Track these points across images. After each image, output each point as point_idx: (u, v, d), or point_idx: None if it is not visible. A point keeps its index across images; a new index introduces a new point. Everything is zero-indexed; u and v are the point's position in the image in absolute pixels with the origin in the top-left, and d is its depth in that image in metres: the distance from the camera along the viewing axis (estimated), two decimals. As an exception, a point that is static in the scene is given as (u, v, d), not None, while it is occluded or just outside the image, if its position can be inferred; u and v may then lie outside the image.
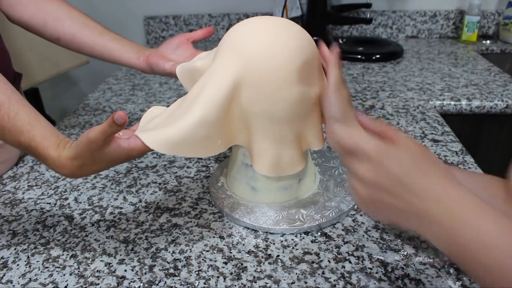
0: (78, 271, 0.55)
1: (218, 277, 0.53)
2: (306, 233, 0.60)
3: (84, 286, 0.52)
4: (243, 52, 0.55)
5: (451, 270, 0.52)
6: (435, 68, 1.24)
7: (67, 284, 0.53)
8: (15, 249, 0.59)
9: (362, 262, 0.54)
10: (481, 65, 1.25)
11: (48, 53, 1.36)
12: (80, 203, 0.69)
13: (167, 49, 0.72)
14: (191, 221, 0.63)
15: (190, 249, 0.58)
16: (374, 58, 1.32)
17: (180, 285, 0.52)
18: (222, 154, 0.79)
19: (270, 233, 0.60)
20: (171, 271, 0.54)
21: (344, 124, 0.45)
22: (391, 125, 0.41)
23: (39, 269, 0.56)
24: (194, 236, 0.60)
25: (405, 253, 0.55)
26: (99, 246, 0.59)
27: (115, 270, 0.55)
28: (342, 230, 0.60)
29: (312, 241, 0.58)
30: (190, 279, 0.53)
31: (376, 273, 0.53)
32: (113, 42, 0.74)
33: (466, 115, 1.03)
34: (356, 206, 0.65)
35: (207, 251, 0.57)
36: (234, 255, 0.56)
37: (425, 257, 0.54)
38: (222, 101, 0.54)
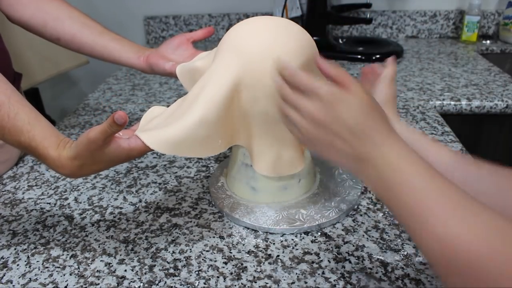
0: (78, 271, 0.55)
1: (218, 277, 0.53)
2: (306, 233, 0.60)
3: (84, 286, 0.52)
4: (243, 52, 0.55)
5: (451, 270, 0.52)
6: (435, 68, 1.24)
7: (67, 284, 0.53)
8: (15, 249, 0.59)
9: (362, 262, 0.54)
10: (481, 65, 1.25)
11: (48, 53, 1.36)
12: (80, 203, 0.69)
13: (167, 49, 0.72)
14: (191, 221, 0.63)
15: (190, 249, 0.58)
16: (374, 58, 1.32)
17: (180, 285, 0.52)
18: (222, 154, 0.79)
19: (270, 233, 0.60)
20: (171, 271, 0.54)
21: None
22: (345, 71, 0.45)
23: (39, 269, 0.56)
24: (194, 236, 0.60)
25: (405, 253, 0.55)
26: (99, 246, 0.59)
27: (115, 270, 0.55)
28: (342, 230, 0.60)
29: (312, 241, 0.58)
30: (190, 279, 0.53)
31: (376, 273, 0.53)
32: (113, 42, 0.74)
33: (466, 115, 1.03)
34: (356, 206, 0.65)
35: (207, 251, 0.57)
36: (234, 255, 0.56)
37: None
38: (222, 101, 0.54)
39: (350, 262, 0.54)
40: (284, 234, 0.60)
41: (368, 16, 1.48)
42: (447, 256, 0.35)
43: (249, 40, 0.55)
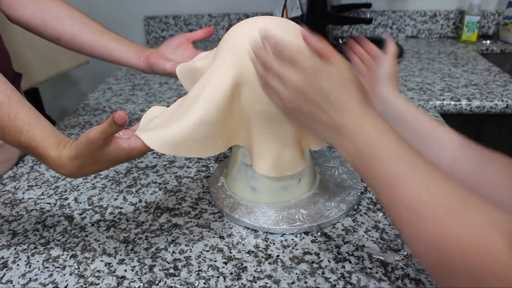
0: (78, 271, 0.55)
1: (218, 277, 0.53)
2: (306, 233, 0.60)
3: (84, 286, 0.52)
4: (243, 52, 0.55)
5: (451, 270, 0.52)
6: (435, 68, 1.24)
7: (67, 284, 0.53)
8: (15, 249, 0.59)
9: (362, 262, 0.54)
10: (481, 65, 1.25)
11: (48, 53, 1.36)
12: (80, 203, 0.69)
13: (167, 49, 0.72)
14: (191, 221, 0.63)
15: (190, 249, 0.58)
16: (374, 58, 1.32)
17: (180, 285, 0.52)
18: (222, 154, 0.79)
19: (270, 233, 0.60)
20: (171, 271, 0.54)
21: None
22: (330, 45, 0.47)
23: (39, 269, 0.56)
24: (194, 236, 0.60)
25: (405, 253, 0.55)
26: (99, 246, 0.59)
27: (115, 270, 0.55)
28: (342, 230, 0.60)
29: (312, 241, 0.58)
30: (190, 279, 0.53)
31: (376, 273, 0.53)
32: (113, 42, 0.74)
33: (466, 115, 1.03)
34: (356, 206, 0.65)
35: (207, 251, 0.57)
36: (234, 255, 0.56)
37: None
38: (222, 101, 0.54)
39: (350, 262, 0.54)
40: (284, 234, 0.60)
41: (368, 16, 1.48)
42: (414, 222, 0.37)
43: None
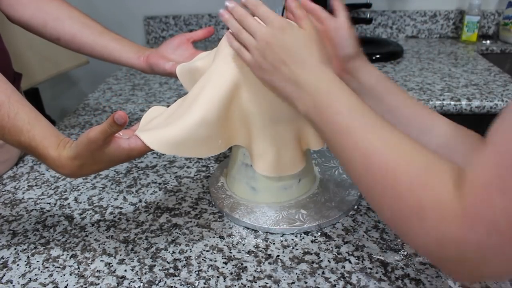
0: (78, 271, 0.55)
1: (218, 277, 0.53)
2: (306, 233, 0.60)
3: (84, 286, 0.52)
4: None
5: (451, 270, 0.52)
6: (435, 68, 1.24)
7: (67, 284, 0.53)
8: (15, 249, 0.59)
9: (362, 262, 0.54)
10: (481, 65, 1.25)
11: (48, 53, 1.36)
12: (80, 203, 0.69)
13: (167, 49, 0.72)
14: (191, 221, 0.63)
15: (190, 249, 0.58)
16: (374, 58, 1.32)
17: (180, 285, 0.52)
18: (222, 154, 0.79)
19: (270, 233, 0.60)
20: (171, 271, 0.54)
21: None
22: (305, 12, 0.52)
23: (39, 269, 0.56)
24: (194, 236, 0.60)
25: (405, 253, 0.55)
26: (99, 246, 0.59)
27: (115, 270, 0.55)
28: (342, 230, 0.60)
29: (312, 241, 0.58)
30: (190, 279, 0.53)
31: (376, 273, 0.53)
32: (113, 42, 0.74)
33: (466, 115, 1.03)
34: (356, 206, 0.65)
35: (207, 251, 0.57)
36: (234, 255, 0.56)
37: (425, 257, 0.54)
38: (222, 101, 0.54)
39: (350, 262, 0.54)
40: (284, 234, 0.60)
41: (368, 16, 1.48)
42: (368, 167, 0.40)
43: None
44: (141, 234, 0.61)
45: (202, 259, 0.56)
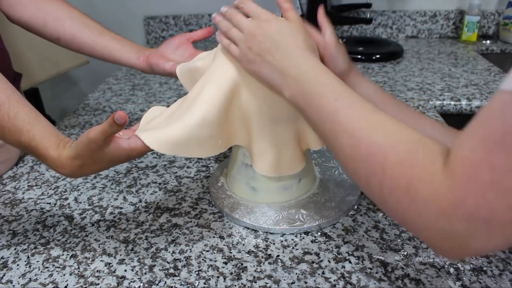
0: (78, 271, 0.55)
1: (218, 277, 0.53)
2: (306, 233, 0.60)
3: (84, 286, 0.52)
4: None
5: (451, 270, 0.52)
6: (435, 68, 1.24)
7: (67, 284, 0.53)
8: (15, 249, 0.59)
9: (362, 262, 0.54)
10: (481, 65, 1.25)
11: (48, 53, 1.36)
12: (80, 203, 0.69)
13: (167, 49, 0.72)
14: (191, 221, 0.63)
15: (190, 249, 0.58)
16: (374, 58, 1.32)
17: (180, 285, 0.52)
18: (222, 154, 0.79)
19: (270, 233, 0.60)
20: (171, 271, 0.54)
21: None
22: (293, 6, 0.55)
23: (39, 269, 0.55)
24: (194, 236, 0.60)
25: (405, 253, 0.55)
26: (99, 246, 0.59)
27: (115, 270, 0.55)
28: (342, 230, 0.60)
29: (312, 241, 0.58)
30: (190, 279, 0.53)
31: (376, 273, 0.53)
32: (113, 42, 0.74)
33: (466, 115, 1.03)
34: (356, 206, 0.65)
35: (207, 251, 0.57)
36: (234, 255, 0.56)
37: (425, 257, 0.54)
38: (222, 101, 0.54)
39: (350, 262, 0.54)
40: (284, 234, 0.60)
41: (368, 16, 1.48)
42: (356, 149, 0.41)
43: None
44: (141, 234, 0.61)
45: (202, 259, 0.56)
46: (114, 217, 0.65)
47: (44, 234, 0.62)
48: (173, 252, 0.57)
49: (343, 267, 0.54)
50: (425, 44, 1.48)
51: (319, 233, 0.60)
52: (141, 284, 0.52)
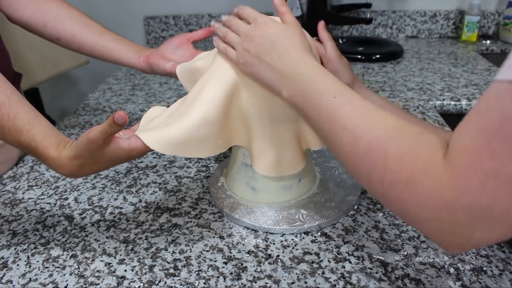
0: (78, 271, 0.55)
1: (218, 277, 0.53)
2: (306, 233, 0.60)
3: (84, 286, 0.52)
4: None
5: (451, 270, 0.52)
6: (435, 68, 1.24)
7: (67, 284, 0.53)
8: (15, 249, 0.59)
9: (362, 262, 0.54)
10: (481, 65, 1.25)
11: (48, 53, 1.36)
12: (80, 203, 0.69)
13: (167, 49, 0.72)
14: (191, 221, 0.63)
15: (190, 249, 0.58)
16: (374, 58, 1.32)
17: (180, 285, 0.52)
18: (222, 154, 0.79)
19: (270, 233, 0.60)
20: (171, 271, 0.54)
21: None
22: (289, 9, 0.55)
23: (39, 269, 0.55)
24: (194, 236, 0.60)
25: (405, 253, 0.55)
26: (99, 246, 0.59)
27: (115, 270, 0.55)
28: (342, 230, 0.60)
29: (312, 241, 0.58)
30: (190, 279, 0.53)
31: (376, 273, 0.53)
32: (113, 42, 0.74)
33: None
34: (356, 206, 0.65)
35: (207, 251, 0.57)
36: (234, 255, 0.56)
37: (425, 257, 0.55)
38: (222, 101, 0.54)
39: (350, 262, 0.54)
40: (284, 234, 0.60)
41: (368, 16, 1.48)
42: (356, 145, 0.41)
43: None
44: (141, 234, 0.61)
45: (202, 259, 0.56)
46: (114, 217, 0.65)
47: (44, 234, 0.62)
48: (173, 252, 0.57)
49: (343, 267, 0.54)
50: (425, 44, 1.48)
51: (319, 233, 0.60)
52: (141, 284, 0.52)
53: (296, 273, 0.53)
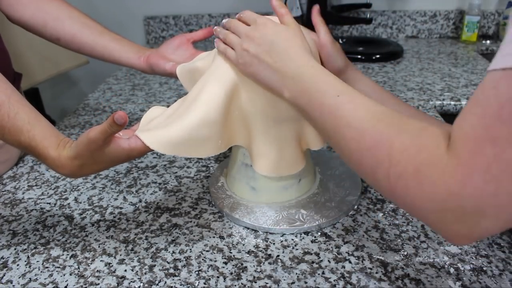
0: (78, 271, 0.55)
1: (218, 277, 0.53)
2: (306, 233, 0.60)
3: (84, 286, 0.52)
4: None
5: (451, 270, 0.52)
6: (435, 68, 1.24)
7: (67, 284, 0.53)
8: (15, 249, 0.59)
9: (362, 262, 0.54)
10: (481, 65, 1.25)
11: (48, 53, 1.36)
12: (80, 203, 0.69)
13: (168, 49, 0.72)
14: (191, 221, 0.63)
15: (190, 249, 0.58)
16: (374, 58, 1.32)
17: (180, 285, 0.52)
18: (222, 154, 0.79)
19: (270, 233, 0.60)
20: (171, 271, 0.54)
21: None
22: (288, 11, 0.55)
23: (39, 269, 0.56)
24: (194, 236, 0.60)
25: (405, 253, 0.55)
26: (99, 246, 0.59)
27: (115, 270, 0.55)
28: (342, 230, 0.60)
29: (312, 241, 0.58)
30: (190, 279, 0.53)
31: (376, 273, 0.53)
32: (113, 42, 0.74)
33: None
34: (356, 206, 0.65)
35: (207, 251, 0.57)
36: (234, 255, 0.56)
37: (425, 257, 0.55)
38: (222, 101, 0.54)
39: (350, 262, 0.54)
40: (284, 234, 0.60)
41: (368, 16, 1.48)
42: (361, 141, 0.41)
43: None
44: (141, 234, 0.61)
45: (202, 259, 0.56)
46: (114, 217, 0.65)
47: (44, 234, 0.62)
48: (173, 252, 0.57)
49: (343, 267, 0.54)
50: (425, 44, 1.48)
51: (319, 233, 0.60)
52: (141, 284, 0.52)
53: (296, 273, 0.53)
